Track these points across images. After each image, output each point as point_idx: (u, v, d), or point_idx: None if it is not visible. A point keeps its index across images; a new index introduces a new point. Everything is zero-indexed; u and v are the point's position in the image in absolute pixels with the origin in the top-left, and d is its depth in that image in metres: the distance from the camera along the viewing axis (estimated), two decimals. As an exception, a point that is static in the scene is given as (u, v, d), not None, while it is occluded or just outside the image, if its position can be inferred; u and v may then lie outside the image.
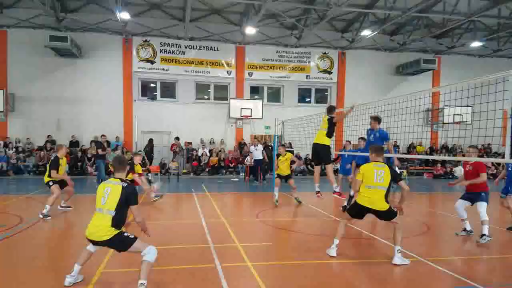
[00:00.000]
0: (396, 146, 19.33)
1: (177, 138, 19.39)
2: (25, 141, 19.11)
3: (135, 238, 4.36)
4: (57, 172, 8.57)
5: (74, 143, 19.28)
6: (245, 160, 18.61)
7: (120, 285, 4.71)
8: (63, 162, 8.89)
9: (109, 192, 4.34)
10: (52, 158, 8.86)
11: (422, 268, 5.42)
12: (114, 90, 19.83)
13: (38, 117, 19.22)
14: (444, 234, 8.15)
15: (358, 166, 9.99)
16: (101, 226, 4.25)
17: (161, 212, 9.97)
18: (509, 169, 8.02)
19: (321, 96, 23.14)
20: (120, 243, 4.31)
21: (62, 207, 9.22)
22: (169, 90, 21.08)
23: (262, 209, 9.95)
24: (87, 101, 19.59)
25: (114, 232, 4.26)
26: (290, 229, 7.68)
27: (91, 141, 19.01)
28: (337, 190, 8.03)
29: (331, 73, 22.42)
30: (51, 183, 8.61)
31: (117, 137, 19.54)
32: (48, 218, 8.17)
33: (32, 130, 19.25)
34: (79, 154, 18.79)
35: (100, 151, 14.73)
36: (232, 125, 21.46)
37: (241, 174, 19.25)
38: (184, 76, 20.74)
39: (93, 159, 18.11)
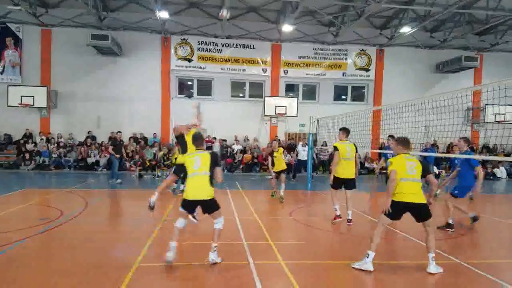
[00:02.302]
0: (434, 145, 18.83)
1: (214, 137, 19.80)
2: (66, 137, 20.06)
3: (219, 207, 5.41)
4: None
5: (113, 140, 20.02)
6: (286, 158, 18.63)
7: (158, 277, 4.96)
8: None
9: (199, 159, 5.31)
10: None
11: (461, 272, 5.34)
12: (153, 87, 20.48)
13: (79, 113, 20.16)
14: (483, 236, 7.94)
15: None
16: (202, 186, 5.24)
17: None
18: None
19: (358, 93, 22.80)
20: (212, 206, 5.34)
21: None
22: (205, 88, 21.51)
23: (296, 207, 10.03)
24: (126, 98, 20.33)
25: (212, 194, 5.28)
26: (323, 228, 7.72)
27: (130, 138, 19.80)
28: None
29: (369, 70, 22.06)
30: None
31: (154, 133, 20.21)
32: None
33: (73, 126, 20.23)
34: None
35: (110, 149, 14.55)
36: (266, 123, 21.61)
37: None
38: (220, 74, 21.09)
39: (131, 155, 18.83)
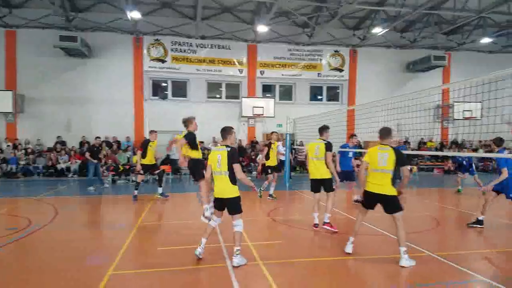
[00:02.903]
0: (406, 143, 19.31)
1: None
2: (34, 143, 19.26)
3: (241, 211, 5.44)
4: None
5: (84, 144, 19.41)
6: (257, 158, 18.68)
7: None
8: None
9: (221, 157, 5.33)
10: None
11: (432, 263, 5.49)
12: (125, 89, 20.05)
13: (47, 118, 19.40)
14: (454, 228, 8.18)
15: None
16: (224, 186, 5.35)
17: (172, 212, 10.14)
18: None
19: (333, 93, 23.10)
20: (234, 206, 5.40)
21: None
22: (180, 89, 21.25)
23: (274, 207, 10.03)
24: (98, 101, 19.79)
25: (235, 193, 5.36)
26: (302, 227, 7.73)
27: (102, 142, 19.27)
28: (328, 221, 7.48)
29: (343, 70, 22.39)
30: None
31: (127, 137, 19.79)
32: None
33: (41, 131, 19.43)
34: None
35: (87, 154, 13.86)
36: (244, 124, 21.57)
37: (253, 172, 19.33)
38: (196, 75, 20.89)
39: (103, 160, 18.29)
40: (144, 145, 11.08)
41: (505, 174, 7.17)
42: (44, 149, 19.16)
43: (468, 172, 12.73)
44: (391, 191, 5.42)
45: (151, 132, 11.44)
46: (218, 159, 5.35)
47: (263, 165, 11.80)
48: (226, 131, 5.58)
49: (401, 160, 5.45)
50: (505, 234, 7.65)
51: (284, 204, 10.73)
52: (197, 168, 8.08)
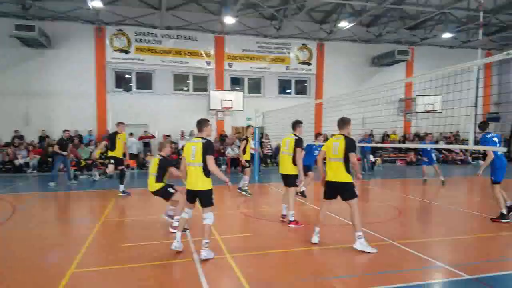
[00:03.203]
0: (371, 136, 19.83)
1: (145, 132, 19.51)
2: (-10, 137, 18.19)
3: (213, 204, 5.40)
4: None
5: (44, 138, 18.63)
6: (227, 152, 18.57)
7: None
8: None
9: (195, 149, 5.26)
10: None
11: (393, 251, 5.63)
12: (87, 81, 19.27)
13: (4, 111, 18.33)
14: (414, 217, 8.45)
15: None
16: (197, 178, 5.27)
17: (139, 208, 9.88)
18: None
19: (301, 87, 23.26)
20: (206, 198, 5.35)
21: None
22: (145, 81, 20.69)
23: (244, 201, 9.98)
24: (58, 93, 18.93)
25: (208, 186, 5.29)
26: (270, 220, 7.74)
27: (72, 136, 18.59)
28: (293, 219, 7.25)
29: (310, 64, 22.56)
30: (171, 190, 7.04)
31: (90, 130, 19.10)
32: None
33: (-3, 126, 18.34)
34: (50, 149, 18.19)
35: (56, 147, 13.28)
36: (212, 117, 21.29)
37: (222, 166, 19.20)
38: (161, 67, 20.40)
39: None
40: (111, 137, 10.63)
41: (490, 155, 7.19)
42: (0, 144, 18.15)
43: (429, 162, 13.21)
44: (346, 178, 5.61)
45: (119, 123, 10.93)
46: (192, 150, 5.29)
47: (238, 159, 11.72)
48: (202, 124, 5.52)
49: (349, 147, 5.58)
50: (463, 221, 7.97)
51: (253, 197, 10.69)
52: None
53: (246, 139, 11.05)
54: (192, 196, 5.42)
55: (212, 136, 20.66)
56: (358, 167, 5.86)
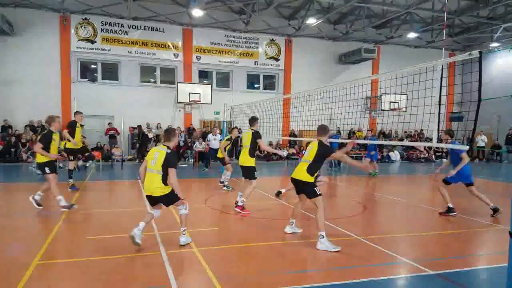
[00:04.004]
0: (338, 132, 20.27)
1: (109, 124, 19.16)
2: None
3: (179, 198, 5.44)
4: (45, 149, 7.57)
5: (6, 128, 17.94)
6: (194, 146, 18.46)
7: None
8: (56, 137, 7.88)
9: (158, 156, 5.28)
10: (45, 132, 7.78)
11: (359, 246, 5.80)
12: (51, 70, 18.66)
13: (-37, 100, 17.49)
14: (379, 214, 8.78)
15: None
16: (155, 184, 5.26)
17: (104, 201, 9.71)
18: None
19: (269, 82, 23.43)
20: (169, 200, 5.43)
21: (34, 199, 7.91)
22: (111, 72, 20.19)
23: (211, 195, 10.02)
24: (21, 82, 18.27)
25: (166, 191, 5.32)
26: (238, 214, 7.82)
27: (26, 126, 17.96)
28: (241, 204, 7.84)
29: (279, 60, 22.74)
30: (47, 170, 7.57)
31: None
32: (73, 206, 7.86)
33: (-44, 115, 17.49)
34: (13, 139, 17.51)
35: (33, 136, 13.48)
36: (180, 110, 21.12)
37: (190, 160, 19.07)
38: (128, 58, 19.97)
39: (28, 145, 17.11)
40: (72, 126, 10.00)
41: (466, 159, 7.57)
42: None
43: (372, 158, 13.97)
44: (305, 177, 5.79)
45: (77, 113, 10.44)
46: (155, 156, 5.31)
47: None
48: (170, 133, 5.57)
49: (324, 152, 5.83)
50: (427, 218, 8.38)
51: (221, 191, 10.74)
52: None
53: (230, 140, 11.35)
54: (153, 200, 5.50)
55: (181, 129, 20.52)
56: (346, 159, 6.02)
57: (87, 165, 11.17)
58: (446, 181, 7.96)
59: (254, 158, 8.07)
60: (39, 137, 7.89)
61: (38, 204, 7.77)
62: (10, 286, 4.09)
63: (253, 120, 8.26)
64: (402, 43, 24.35)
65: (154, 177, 5.28)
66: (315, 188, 5.77)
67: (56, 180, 7.83)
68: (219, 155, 11.42)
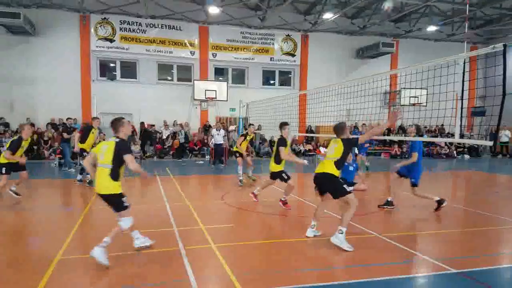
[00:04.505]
0: (356, 128, 20.06)
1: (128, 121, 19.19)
2: (-25, 124, 17.95)
3: (127, 207, 4.91)
4: (13, 154, 7.97)
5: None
6: (210, 143, 18.53)
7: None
8: (25, 144, 8.22)
9: (106, 149, 4.79)
10: (15, 138, 8.23)
11: (380, 244, 5.73)
12: (71, 69, 19.07)
13: (-12, 98, 18.09)
14: (400, 211, 8.64)
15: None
16: (103, 181, 4.75)
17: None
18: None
19: (285, 78, 23.31)
20: (112, 203, 4.85)
21: (11, 190, 8.48)
22: (129, 70, 20.47)
23: (227, 191, 10.06)
24: (43, 81, 18.73)
25: (114, 190, 4.76)
26: (254, 211, 7.85)
27: (48, 124, 18.38)
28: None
29: (295, 55, 22.59)
30: (2, 169, 8.04)
31: (74, 119, 18.82)
32: None
33: (-18, 113, 18.13)
34: (35, 137, 17.94)
35: (65, 134, 13.79)
36: (196, 107, 21.25)
37: (206, 156, 19.19)
38: (146, 56, 20.20)
39: (49, 142, 17.53)
40: (85, 130, 10.87)
41: (414, 158, 7.69)
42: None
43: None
44: (329, 170, 5.65)
45: (94, 118, 11.13)
46: (102, 150, 4.82)
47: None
48: (115, 124, 4.94)
49: (350, 142, 5.74)
50: (449, 215, 8.20)
51: (238, 188, 10.77)
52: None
53: (245, 135, 11.47)
54: (104, 200, 4.91)
55: (196, 126, 20.64)
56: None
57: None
58: (398, 173, 8.15)
59: (280, 164, 7.98)
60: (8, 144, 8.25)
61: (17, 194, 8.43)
62: (35, 281, 4.20)
63: (281, 125, 8.04)
64: (422, 36, 23.83)
65: (103, 171, 4.74)
66: (344, 185, 5.64)
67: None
68: (236, 149, 11.49)
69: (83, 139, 10.62)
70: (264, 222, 7.14)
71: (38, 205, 8.63)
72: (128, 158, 4.73)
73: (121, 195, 4.84)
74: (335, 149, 5.71)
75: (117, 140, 4.82)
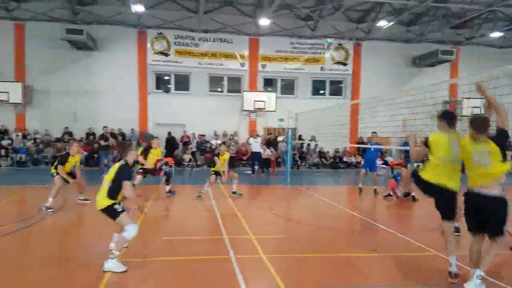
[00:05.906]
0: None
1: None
2: (43, 133, 19.52)
3: (122, 211, 4.93)
4: (63, 168, 8.55)
5: (90, 135, 19.59)
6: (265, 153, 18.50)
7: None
8: (73, 160, 8.80)
9: (111, 168, 5.08)
10: (63, 153, 8.87)
11: (439, 262, 5.31)
12: (129, 82, 20.04)
13: (55, 109, 19.57)
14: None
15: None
16: (100, 197, 4.95)
17: (176, 204, 10.05)
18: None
19: (336, 88, 22.88)
20: (110, 212, 4.93)
21: (80, 199, 9.09)
22: (183, 83, 21.16)
23: (275, 202, 9.96)
24: (103, 93, 19.84)
25: (107, 202, 4.89)
26: (303, 222, 7.67)
27: (102, 134, 19.33)
28: None
29: (347, 64, 22.14)
30: (55, 174, 8.57)
31: (132, 129, 19.78)
32: (50, 210, 8.06)
33: (49, 122, 19.64)
34: (96, 146, 18.96)
35: (102, 142, 14.09)
36: (245, 118, 21.45)
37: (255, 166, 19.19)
38: (198, 69, 20.79)
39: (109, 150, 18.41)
40: (145, 152, 10.58)
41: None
42: (52, 140, 19.32)
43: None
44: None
45: (153, 138, 11.10)
46: (110, 170, 5.10)
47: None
48: (124, 149, 5.23)
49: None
50: None
51: (285, 199, 10.62)
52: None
53: (218, 155, 10.73)
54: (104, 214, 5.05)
55: (244, 137, 20.72)
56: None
57: (168, 170, 11.59)
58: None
59: None
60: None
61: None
62: (96, 279, 4.40)
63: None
64: (484, 43, 22.36)
65: (102, 189, 4.97)
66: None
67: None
68: (214, 169, 10.60)
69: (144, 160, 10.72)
70: (314, 234, 6.91)
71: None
72: (125, 184, 4.92)
73: (113, 204, 4.94)
74: (491, 153, 4.08)
75: (123, 163, 5.06)
